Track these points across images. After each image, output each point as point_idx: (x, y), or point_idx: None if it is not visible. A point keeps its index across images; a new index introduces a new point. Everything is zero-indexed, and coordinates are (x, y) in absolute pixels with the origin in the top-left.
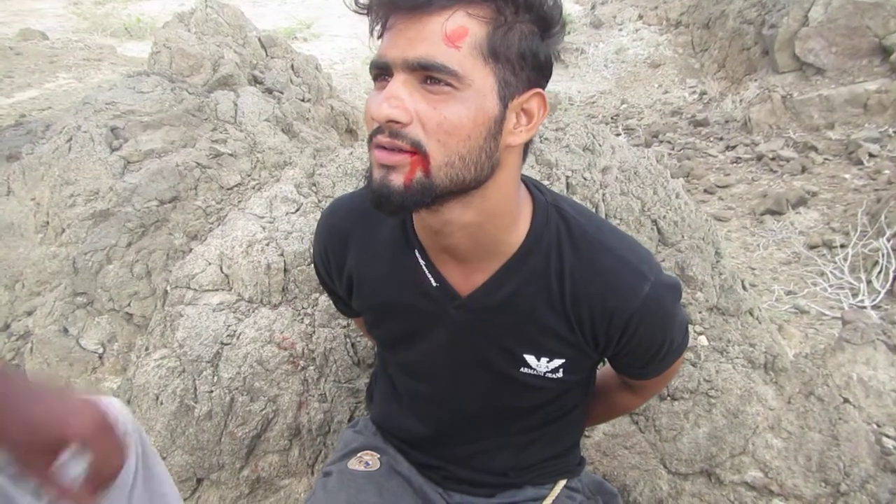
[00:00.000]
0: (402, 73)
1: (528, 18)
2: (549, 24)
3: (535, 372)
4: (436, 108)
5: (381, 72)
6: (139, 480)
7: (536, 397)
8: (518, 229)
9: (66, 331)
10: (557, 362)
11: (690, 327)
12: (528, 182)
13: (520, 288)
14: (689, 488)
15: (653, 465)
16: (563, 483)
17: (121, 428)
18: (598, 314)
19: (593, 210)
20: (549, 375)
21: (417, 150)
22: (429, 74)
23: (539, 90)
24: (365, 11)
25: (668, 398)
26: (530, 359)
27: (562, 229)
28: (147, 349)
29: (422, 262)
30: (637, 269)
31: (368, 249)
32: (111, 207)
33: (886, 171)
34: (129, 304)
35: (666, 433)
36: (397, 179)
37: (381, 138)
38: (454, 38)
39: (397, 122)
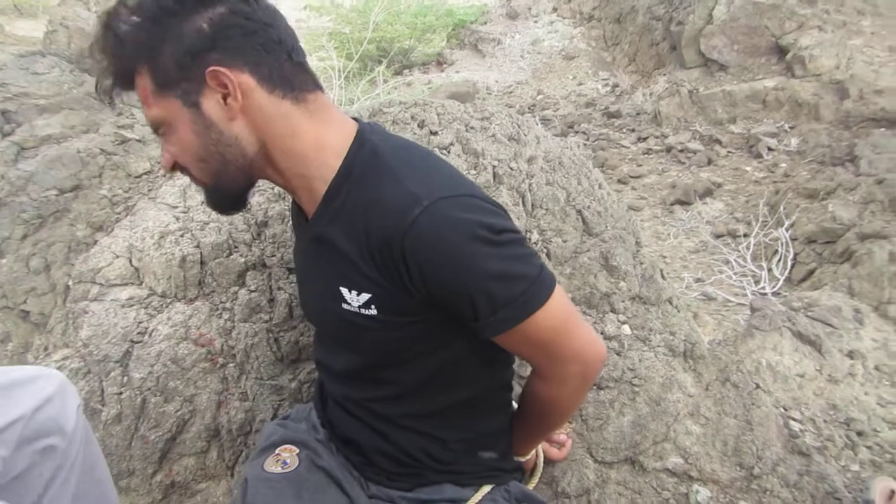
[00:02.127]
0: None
1: (155, 25)
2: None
3: (351, 307)
4: (172, 146)
5: None
6: (78, 461)
7: (373, 341)
8: (330, 166)
9: None
10: (365, 296)
11: (614, 316)
12: (361, 122)
13: (332, 220)
14: (615, 476)
15: (580, 454)
16: (487, 489)
17: (69, 399)
18: (375, 242)
19: (519, 199)
20: (364, 311)
21: (192, 174)
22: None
23: (212, 68)
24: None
25: (595, 387)
26: (345, 292)
27: (367, 163)
28: (46, 349)
29: (296, 204)
30: (411, 192)
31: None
32: (3, 197)
33: (783, 165)
34: (24, 301)
35: (592, 422)
36: (204, 187)
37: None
38: (143, 100)
39: (170, 168)
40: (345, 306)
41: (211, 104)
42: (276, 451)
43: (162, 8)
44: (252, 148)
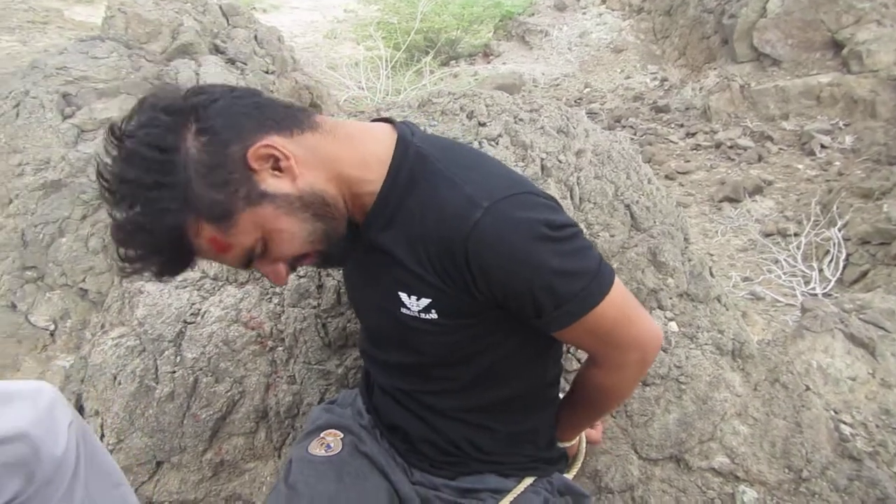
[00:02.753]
0: (260, 265)
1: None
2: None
3: (410, 312)
4: (274, 256)
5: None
6: (81, 472)
7: (432, 343)
8: (376, 180)
9: (14, 306)
10: (425, 301)
11: (661, 313)
12: (399, 127)
13: (385, 229)
14: (659, 474)
15: (624, 450)
16: (529, 480)
17: (59, 418)
18: (435, 248)
19: (567, 193)
20: (423, 316)
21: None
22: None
23: (246, 154)
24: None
25: (640, 383)
26: (404, 297)
27: (416, 169)
28: (104, 327)
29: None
30: (470, 196)
31: None
32: (63, 178)
33: (837, 163)
34: (83, 280)
35: (637, 419)
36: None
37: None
38: (218, 247)
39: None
40: (403, 311)
41: (272, 183)
42: (321, 434)
43: (153, 165)
44: (330, 187)
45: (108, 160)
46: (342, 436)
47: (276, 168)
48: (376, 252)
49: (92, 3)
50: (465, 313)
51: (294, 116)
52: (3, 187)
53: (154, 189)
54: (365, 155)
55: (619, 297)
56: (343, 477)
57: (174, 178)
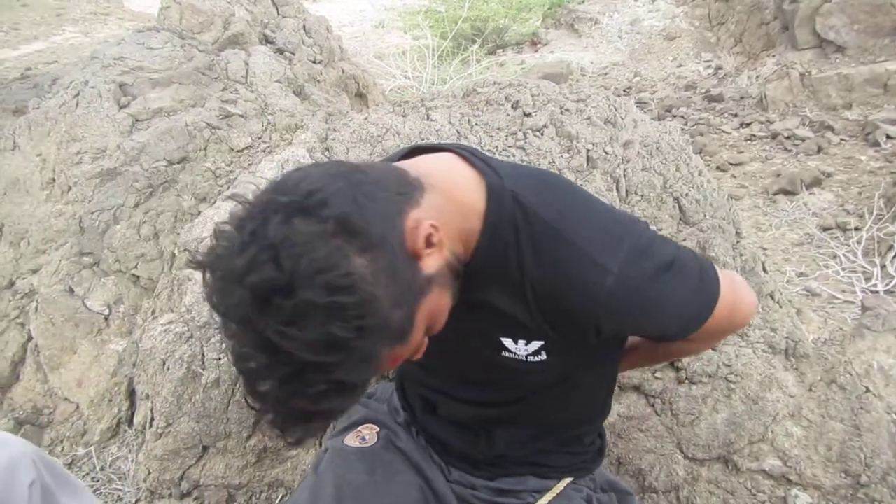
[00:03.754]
0: None
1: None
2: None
3: (515, 356)
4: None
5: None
6: None
7: (530, 381)
8: (471, 233)
9: (71, 291)
10: (536, 344)
11: None
12: (480, 168)
13: (483, 283)
14: (706, 474)
15: (669, 449)
16: (568, 480)
17: (20, 477)
18: (561, 312)
19: (613, 186)
20: (532, 359)
21: None
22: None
23: (413, 247)
24: None
25: (687, 381)
26: (508, 342)
27: (519, 220)
28: (154, 313)
29: None
30: (597, 262)
31: None
32: (118, 166)
33: None
34: (135, 266)
35: (683, 417)
36: None
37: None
38: (393, 362)
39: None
40: (506, 354)
41: (431, 263)
42: (358, 428)
43: (349, 314)
44: (459, 245)
45: (271, 332)
46: (378, 429)
47: (429, 244)
48: (470, 306)
49: None
50: (575, 351)
51: (404, 180)
52: (63, 175)
53: (358, 339)
54: (462, 208)
55: (729, 293)
56: (375, 469)
57: (374, 318)
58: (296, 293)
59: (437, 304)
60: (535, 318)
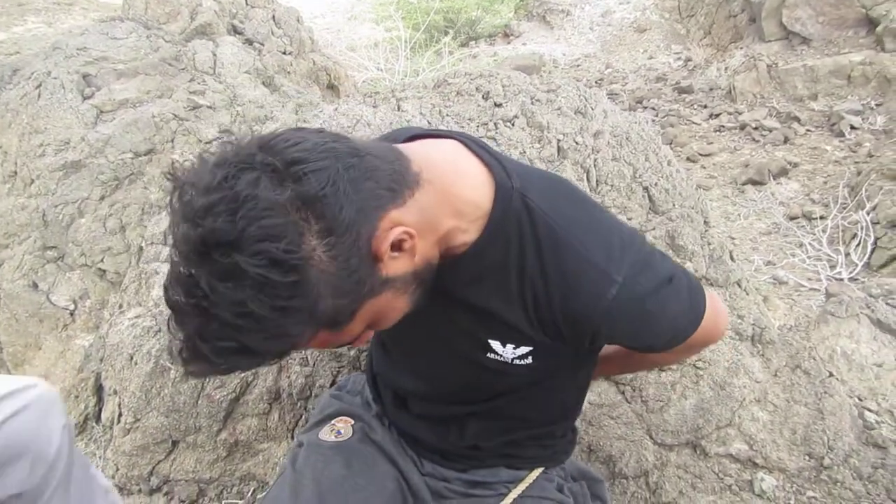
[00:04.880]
0: None
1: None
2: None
3: (501, 358)
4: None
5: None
6: (73, 475)
7: (510, 382)
8: (471, 229)
9: (35, 286)
10: (525, 349)
11: None
12: (493, 167)
13: (477, 281)
14: (675, 459)
15: (639, 435)
16: (540, 470)
17: (53, 420)
18: (561, 319)
19: (584, 175)
20: (518, 362)
21: None
22: None
23: (374, 248)
24: None
25: (656, 368)
26: (495, 344)
27: (525, 223)
28: (121, 307)
29: None
30: (603, 270)
31: None
32: (83, 158)
33: (867, 144)
34: (101, 260)
35: (653, 404)
36: None
37: None
38: (321, 344)
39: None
40: (491, 356)
41: (393, 266)
42: (332, 421)
43: (279, 291)
44: (436, 250)
45: (203, 279)
46: (353, 422)
47: (398, 248)
48: (457, 302)
49: None
50: (560, 355)
51: (400, 174)
52: (26, 168)
53: (277, 316)
54: (459, 204)
55: (711, 311)
56: (352, 463)
57: (303, 301)
58: (236, 253)
59: (388, 306)
60: (532, 324)
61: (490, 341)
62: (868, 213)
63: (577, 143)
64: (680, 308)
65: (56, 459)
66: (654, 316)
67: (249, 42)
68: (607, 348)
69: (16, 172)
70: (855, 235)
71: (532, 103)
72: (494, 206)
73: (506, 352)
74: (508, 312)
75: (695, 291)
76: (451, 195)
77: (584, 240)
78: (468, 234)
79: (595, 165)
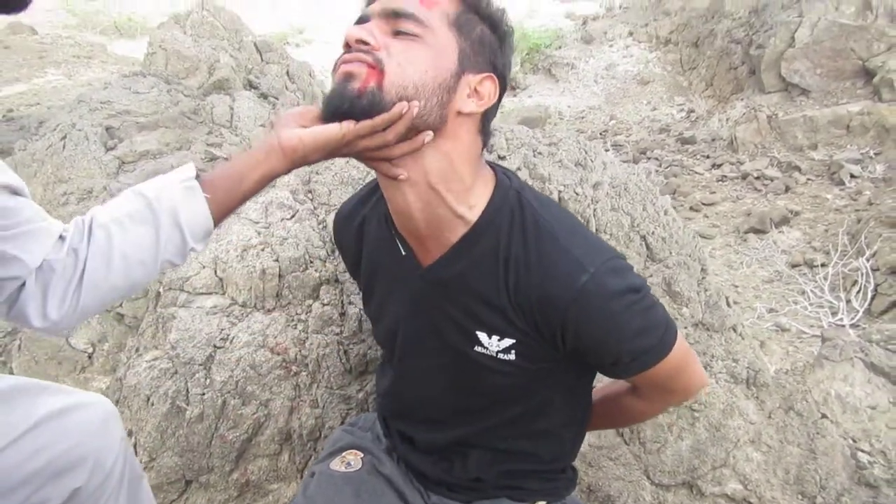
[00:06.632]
0: (378, 19)
1: (489, 25)
2: (503, 38)
3: (487, 351)
4: (402, 43)
5: (361, 23)
6: (124, 488)
7: (496, 383)
8: (474, 209)
9: None
10: (508, 342)
11: None
12: (497, 168)
13: (470, 267)
14: (672, 499)
15: (636, 476)
16: (543, 503)
17: (113, 433)
18: (535, 302)
19: (584, 224)
20: (502, 356)
21: (376, 66)
22: (400, 26)
23: (492, 74)
24: None
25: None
26: (482, 336)
27: (516, 214)
28: (138, 350)
29: (395, 236)
30: (577, 259)
31: (369, 238)
32: None
33: (867, 192)
34: (120, 305)
35: (650, 445)
36: (353, 85)
37: (347, 55)
38: (428, 2)
39: (366, 43)
40: (478, 349)
41: (465, 85)
42: (343, 454)
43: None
44: (433, 121)
45: None
46: (362, 455)
47: (472, 98)
48: (450, 287)
49: (133, 37)
50: (540, 358)
51: (489, 125)
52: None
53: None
54: (472, 187)
55: (681, 348)
56: (360, 493)
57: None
58: None
59: (438, 50)
60: (514, 309)
61: (477, 332)
62: (868, 260)
63: (577, 193)
64: (648, 323)
65: (112, 468)
66: (619, 317)
67: (264, 96)
68: (596, 393)
69: None
70: (856, 282)
71: (534, 156)
72: (493, 196)
73: (491, 344)
74: (496, 298)
75: (667, 320)
76: (475, 177)
77: (566, 234)
78: (466, 214)
79: (595, 215)
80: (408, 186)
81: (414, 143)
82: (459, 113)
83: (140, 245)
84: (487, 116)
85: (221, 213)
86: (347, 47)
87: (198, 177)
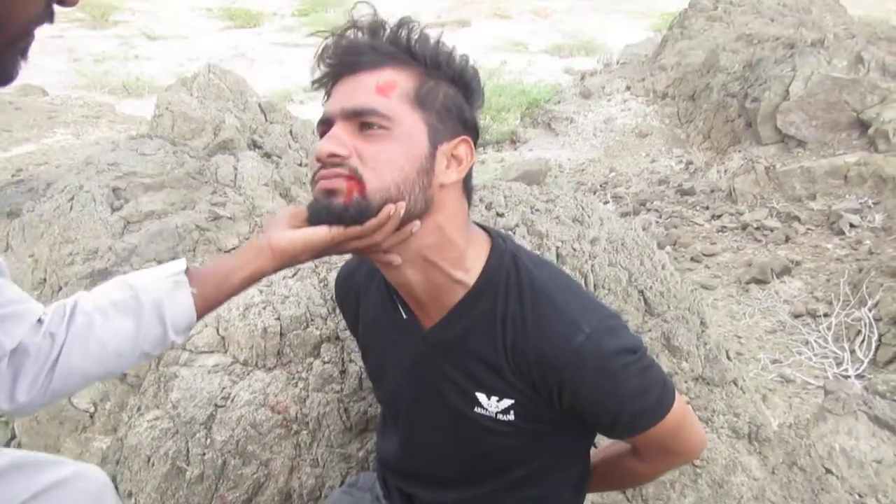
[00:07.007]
0: (341, 121)
1: (451, 82)
2: (469, 90)
3: (486, 412)
4: (372, 144)
5: (325, 126)
6: None
7: (497, 444)
8: (470, 272)
9: None
10: (507, 402)
11: None
12: (492, 231)
13: (469, 328)
14: None
15: None
16: None
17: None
18: (532, 362)
19: (582, 281)
20: (501, 417)
21: (354, 176)
22: (363, 121)
23: (466, 137)
24: (321, 85)
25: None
26: (481, 397)
27: (512, 275)
28: (139, 409)
29: (396, 300)
30: (573, 319)
31: (367, 298)
32: (109, 266)
33: (867, 242)
34: None
35: (653, 502)
36: (337, 200)
37: (324, 171)
38: (384, 88)
39: (337, 156)
40: (478, 410)
41: (442, 157)
42: None
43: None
44: (420, 209)
45: None
46: None
47: (451, 167)
48: (451, 350)
49: (141, 97)
50: (539, 418)
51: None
52: (55, 275)
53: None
54: (466, 251)
55: (680, 409)
56: None
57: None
58: None
59: (406, 138)
60: (512, 370)
61: (477, 393)
62: (870, 310)
63: (574, 249)
64: (645, 383)
65: None
66: (616, 377)
67: (268, 155)
68: (594, 455)
69: (45, 279)
70: (859, 332)
71: (532, 212)
72: (489, 259)
73: (490, 405)
74: (494, 359)
75: (665, 380)
76: (467, 238)
77: (561, 294)
78: (463, 277)
79: (592, 270)
80: (404, 264)
81: (402, 234)
82: (442, 185)
83: (119, 335)
84: (468, 174)
85: (206, 307)
86: (320, 162)
87: (187, 271)
